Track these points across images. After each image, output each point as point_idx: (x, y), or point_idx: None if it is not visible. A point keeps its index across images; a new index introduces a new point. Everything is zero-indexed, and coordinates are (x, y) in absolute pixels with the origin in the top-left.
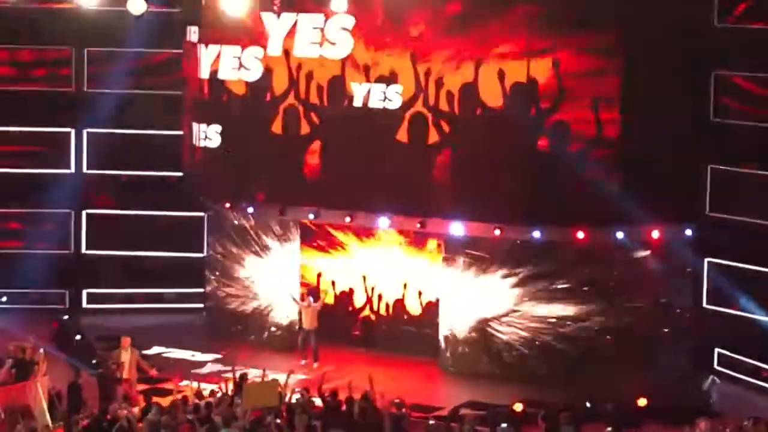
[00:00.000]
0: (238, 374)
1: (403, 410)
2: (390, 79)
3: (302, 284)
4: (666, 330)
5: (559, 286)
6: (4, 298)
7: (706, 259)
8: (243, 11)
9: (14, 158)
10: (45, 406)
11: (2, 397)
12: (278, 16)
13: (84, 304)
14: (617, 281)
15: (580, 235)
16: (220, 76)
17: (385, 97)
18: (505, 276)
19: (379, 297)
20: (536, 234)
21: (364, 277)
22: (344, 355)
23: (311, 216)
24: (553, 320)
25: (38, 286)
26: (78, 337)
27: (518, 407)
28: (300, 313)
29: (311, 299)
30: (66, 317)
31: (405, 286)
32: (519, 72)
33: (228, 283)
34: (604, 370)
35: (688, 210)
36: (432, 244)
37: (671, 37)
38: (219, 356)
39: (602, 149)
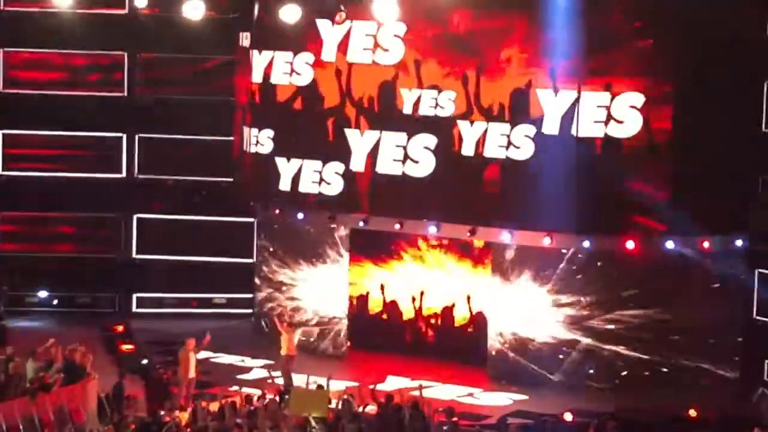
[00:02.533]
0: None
1: (453, 419)
2: (440, 86)
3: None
4: (715, 341)
5: (609, 296)
6: (55, 301)
7: (757, 270)
8: (296, 18)
9: (66, 162)
10: (94, 408)
11: (52, 400)
12: (332, 24)
13: (134, 308)
14: (667, 292)
15: (630, 245)
16: (272, 80)
17: (437, 104)
18: (554, 285)
19: (428, 307)
20: (586, 244)
21: (416, 297)
22: (393, 362)
23: (361, 223)
24: (602, 330)
25: (88, 290)
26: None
27: (568, 417)
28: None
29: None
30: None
31: (454, 295)
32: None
33: (277, 289)
34: (653, 380)
35: (738, 220)
36: (478, 252)
37: (723, 48)
38: (267, 362)
39: (653, 160)
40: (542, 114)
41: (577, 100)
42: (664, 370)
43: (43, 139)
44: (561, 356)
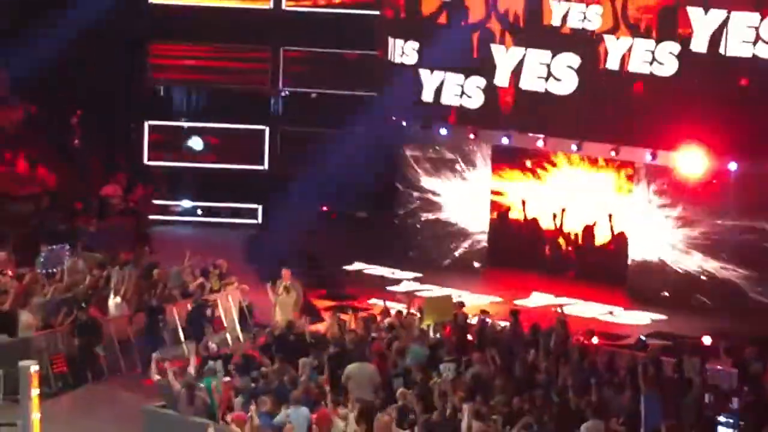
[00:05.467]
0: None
1: (593, 340)
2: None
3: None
4: None
5: (755, 220)
6: (199, 211)
7: None
8: None
9: (212, 73)
10: (236, 317)
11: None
12: None
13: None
14: None
15: None
16: None
17: (585, 18)
18: (698, 207)
19: (569, 225)
20: (732, 166)
21: (557, 214)
22: (532, 280)
23: (504, 140)
24: (746, 254)
25: (231, 200)
26: None
27: (706, 339)
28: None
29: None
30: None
31: (595, 213)
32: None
33: (419, 204)
34: None
35: None
36: (621, 172)
37: None
38: (417, 275)
39: None
40: (691, 32)
41: (727, 19)
42: None
43: (191, 50)
44: (701, 278)
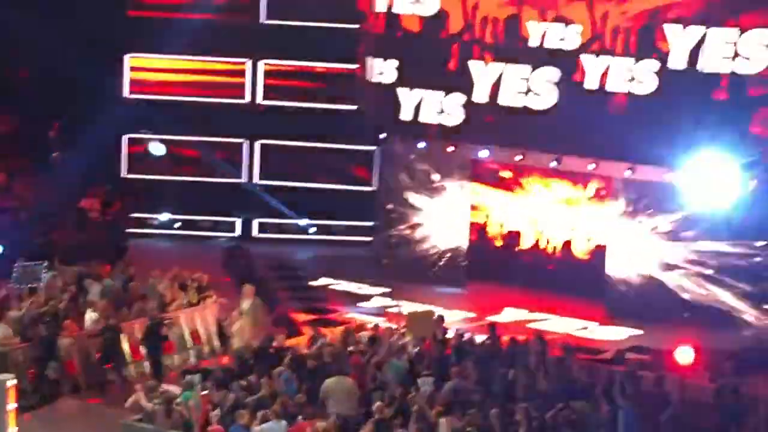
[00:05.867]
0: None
1: (571, 354)
2: (567, 19)
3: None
4: None
5: (731, 237)
6: (177, 224)
7: None
8: None
9: (192, 87)
10: (214, 330)
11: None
12: None
13: (254, 234)
14: None
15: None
16: (395, 10)
17: (564, 38)
18: (674, 220)
19: (547, 240)
20: (714, 180)
21: (536, 229)
22: (511, 294)
23: (483, 153)
24: (725, 265)
25: (210, 213)
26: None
27: (685, 354)
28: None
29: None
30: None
31: (574, 228)
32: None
33: (396, 217)
34: None
35: None
36: (599, 186)
37: None
38: (386, 290)
39: None
40: (668, 49)
41: (705, 35)
42: None
43: (171, 64)
44: (680, 293)
